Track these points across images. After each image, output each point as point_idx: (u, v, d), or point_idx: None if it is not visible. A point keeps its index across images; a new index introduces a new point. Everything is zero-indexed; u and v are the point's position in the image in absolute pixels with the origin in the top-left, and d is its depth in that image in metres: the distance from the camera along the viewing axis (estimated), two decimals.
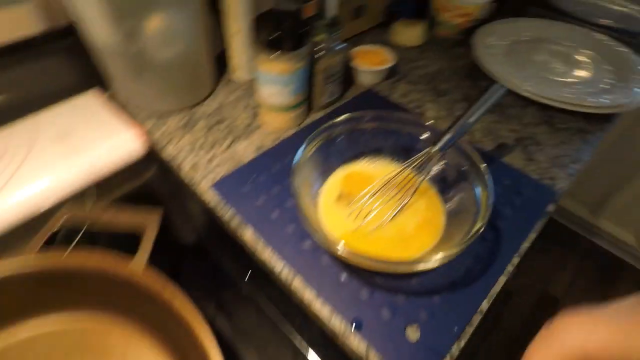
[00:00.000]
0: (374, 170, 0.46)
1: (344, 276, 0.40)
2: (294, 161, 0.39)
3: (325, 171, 0.45)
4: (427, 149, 0.40)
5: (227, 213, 0.46)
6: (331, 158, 0.45)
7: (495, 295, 0.39)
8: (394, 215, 0.40)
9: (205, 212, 0.49)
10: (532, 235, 0.44)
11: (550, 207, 0.47)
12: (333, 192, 0.44)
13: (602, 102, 0.56)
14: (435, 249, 0.38)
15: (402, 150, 0.46)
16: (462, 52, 0.75)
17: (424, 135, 0.44)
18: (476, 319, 0.37)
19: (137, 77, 0.53)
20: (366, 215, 0.40)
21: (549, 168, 0.52)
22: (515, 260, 0.42)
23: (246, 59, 0.61)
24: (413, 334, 0.36)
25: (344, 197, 0.43)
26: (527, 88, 0.59)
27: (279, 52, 0.47)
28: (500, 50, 0.69)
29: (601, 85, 0.62)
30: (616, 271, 1.36)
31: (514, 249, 0.42)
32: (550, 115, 0.60)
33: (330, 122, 0.43)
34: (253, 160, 0.52)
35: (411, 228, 0.41)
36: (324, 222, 0.41)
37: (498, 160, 0.52)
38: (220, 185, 0.48)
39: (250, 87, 0.64)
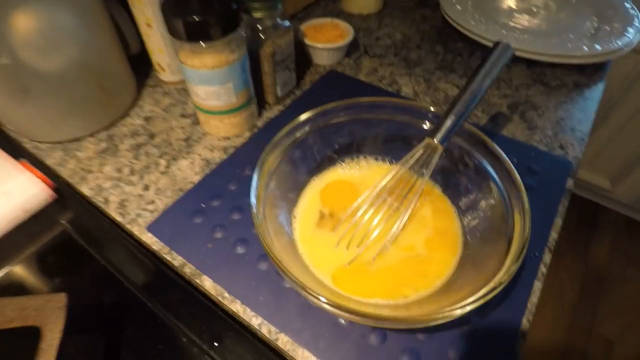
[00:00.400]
0: (358, 176, 0.36)
1: None
2: (250, 199, 0.28)
3: (296, 188, 0.34)
4: (425, 141, 0.30)
5: (176, 259, 0.34)
6: (300, 169, 0.34)
7: (534, 310, 0.31)
8: (397, 234, 0.31)
9: (149, 257, 0.37)
10: (559, 222, 0.36)
11: (570, 183, 0.39)
12: (311, 214, 0.33)
13: (596, 50, 0.49)
14: (461, 270, 0.29)
15: (389, 143, 0.36)
16: (426, 14, 0.65)
17: (419, 122, 0.34)
18: (517, 347, 0.29)
19: (22, 99, 0.39)
20: (362, 240, 0.30)
21: (555, 135, 0.44)
22: (547, 258, 0.34)
23: (169, 56, 0.47)
24: None
25: (326, 219, 0.33)
26: (511, 44, 0.50)
27: (205, 41, 0.34)
28: (468, 6, 0.60)
29: (587, 30, 0.55)
30: (595, 216, 1.37)
31: (543, 244, 0.34)
32: (541, 72, 0.52)
33: (289, 126, 0.31)
34: (201, 182, 0.40)
35: (421, 246, 0.31)
36: (306, 258, 0.31)
37: (498, 135, 0.44)
38: (160, 224, 0.37)
39: (184, 89, 0.51)
